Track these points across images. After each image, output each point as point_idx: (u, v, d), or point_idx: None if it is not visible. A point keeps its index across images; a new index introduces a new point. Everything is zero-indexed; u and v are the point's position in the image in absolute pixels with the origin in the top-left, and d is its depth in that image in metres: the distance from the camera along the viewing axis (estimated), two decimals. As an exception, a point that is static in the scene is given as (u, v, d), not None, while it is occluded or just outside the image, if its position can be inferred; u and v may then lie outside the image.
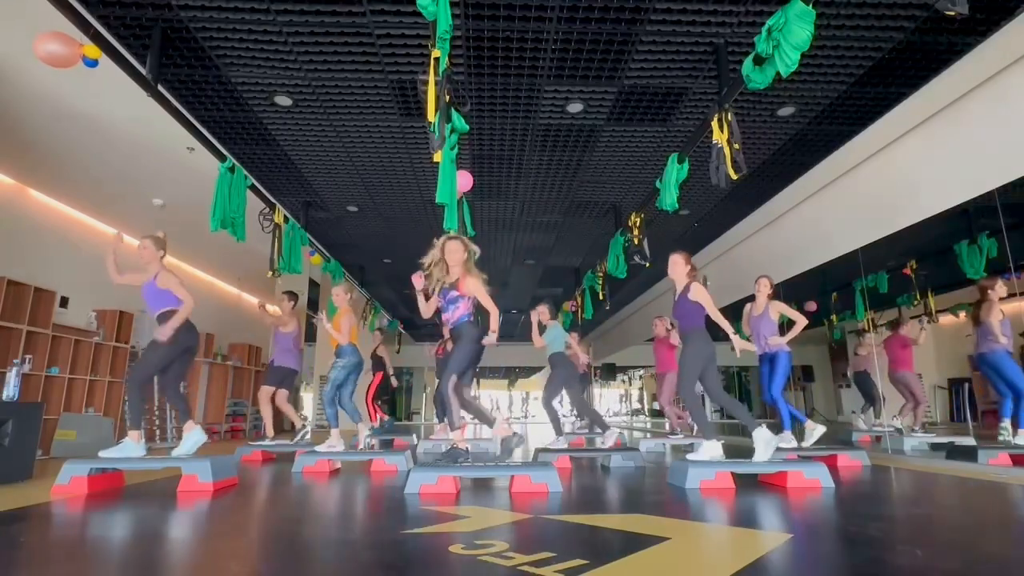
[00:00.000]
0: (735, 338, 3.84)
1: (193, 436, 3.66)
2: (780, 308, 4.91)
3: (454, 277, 3.61)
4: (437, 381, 7.58)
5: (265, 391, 5.72)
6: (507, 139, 5.28)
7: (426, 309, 3.80)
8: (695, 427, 7.38)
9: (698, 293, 3.76)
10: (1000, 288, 4.73)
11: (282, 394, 5.82)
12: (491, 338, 3.55)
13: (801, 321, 4.78)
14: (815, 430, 4.81)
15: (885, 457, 5.16)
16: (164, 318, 3.68)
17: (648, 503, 2.98)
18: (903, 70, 4.20)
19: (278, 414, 5.95)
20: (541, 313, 5.81)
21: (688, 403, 3.83)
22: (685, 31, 3.77)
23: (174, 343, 3.66)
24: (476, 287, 3.57)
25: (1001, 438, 4.57)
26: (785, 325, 4.95)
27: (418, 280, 3.71)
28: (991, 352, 4.66)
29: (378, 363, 7.99)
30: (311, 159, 5.65)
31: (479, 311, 3.72)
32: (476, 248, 3.69)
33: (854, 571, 1.70)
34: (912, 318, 6.42)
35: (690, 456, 3.78)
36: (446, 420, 7.24)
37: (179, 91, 4.42)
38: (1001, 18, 3.65)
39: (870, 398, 6.80)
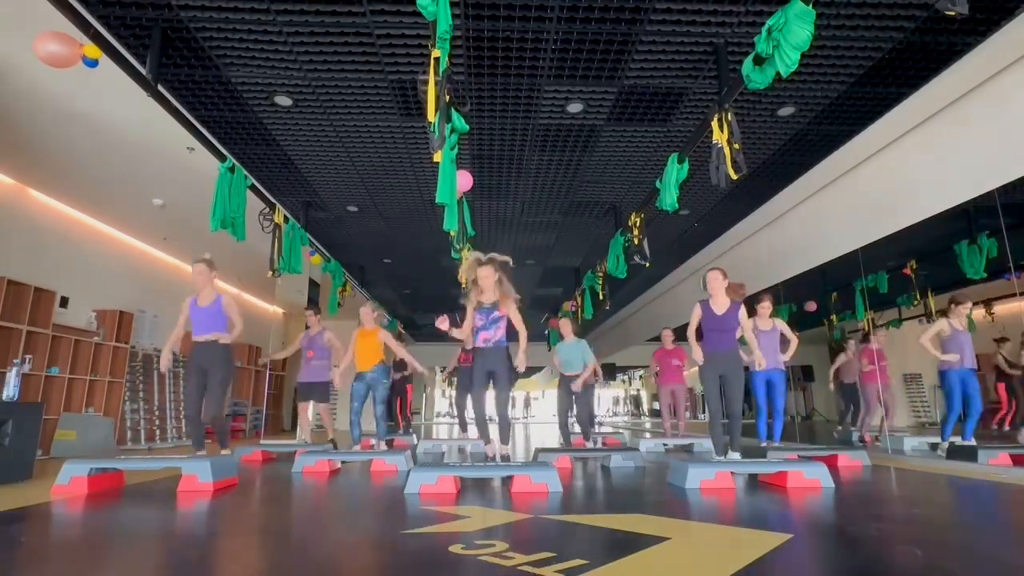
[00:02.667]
0: (758, 354, 4.14)
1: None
2: (783, 327, 5.17)
3: (493, 298, 3.90)
4: (454, 390, 7.62)
5: (325, 408, 5.88)
6: (507, 139, 5.28)
7: (465, 334, 4.03)
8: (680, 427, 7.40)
9: (744, 316, 3.99)
10: (964, 307, 4.85)
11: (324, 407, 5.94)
12: (521, 360, 3.88)
13: (795, 340, 5.16)
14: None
15: (885, 457, 5.16)
16: (224, 345, 4.04)
17: (648, 503, 2.98)
18: (903, 70, 4.20)
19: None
20: (563, 326, 5.95)
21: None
22: (685, 31, 3.77)
23: (232, 366, 4.13)
24: (513, 310, 3.91)
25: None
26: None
27: (443, 322, 3.88)
28: (940, 370, 4.88)
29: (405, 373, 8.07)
30: (311, 159, 5.65)
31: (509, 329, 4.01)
32: (506, 259, 3.95)
33: (854, 571, 1.70)
34: (878, 327, 6.53)
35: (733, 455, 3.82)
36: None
37: (179, 91, 4.41)
38: (1001, 18, 3.65)
39: (846, 405, 6.86)
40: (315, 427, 7.27)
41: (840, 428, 6.96)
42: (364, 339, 5.23)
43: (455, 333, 3.93)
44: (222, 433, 4.31)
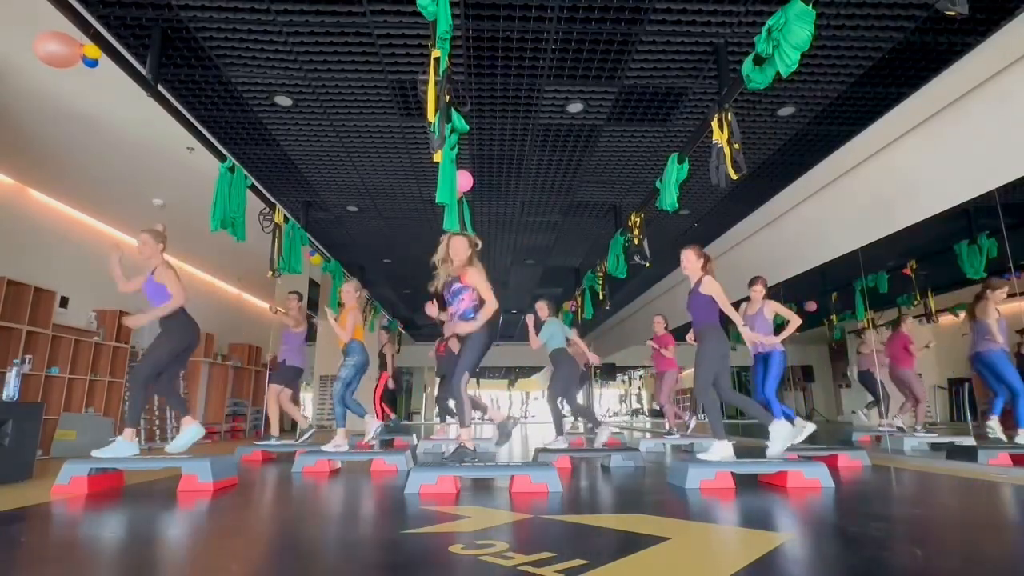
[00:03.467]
0: (744, 330, 3.97)
1: (191, 431, 3.68)
2: (775, 307, 4.93)
3: (457, 270, 3.63)
4: (438, 381, 7.59)
5: (274, 390, 5.75)
6: (507, 139, 5.28)
7: (438, 313, 3.82)
8: (689, 426, 7.37)
9: (710, 286, 3.73)
10: (1001, 291, 4.76)
11: (287, 394, 5.86)
12: (461, 328, 3.55)
13: (796, 320, 4.76)
14: (805, 427, 4.78)
15: (885, 457, 5.16)
16: (165, 318, 3.67)
17: (648, 503, 2.98)
18: (903, 70, 4.20)
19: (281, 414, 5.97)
20: (540, 308, 5.77)
21: (704, 401, 3.74)
22: (685, 31, 3.77)
23: (178, 341, 3.66)
24: (477, 278, 3.58)
25: (990, 435, 4.59)
26: (779, 325, 5.03)
27: (431, 308, 3.73)
28: (987, 352, 4.70)
29: (382, 363, 8.05)
30: (311, 159, 5.65)
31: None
32: (479, 241, 3.71)
33: (854, 571, 1.70)
34: (914, 317, 6.43)
35: (701, 455, 3.76)
36: (448, 420, 7.23)
37: (179, 91, 4.42)
38: (1001, 18, 3.65)
39: (875, 396, 6.79)
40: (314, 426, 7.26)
41: (872, 418, 6.89)
42: (345, 317, 5.16)
43: (443, 316, 3.79)
44: (130, 403, 3.63)
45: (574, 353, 5.86)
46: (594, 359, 5.95)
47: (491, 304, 3.53)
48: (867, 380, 6.85)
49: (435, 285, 3.76)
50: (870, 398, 6.87)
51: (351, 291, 5.25)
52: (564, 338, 5.70)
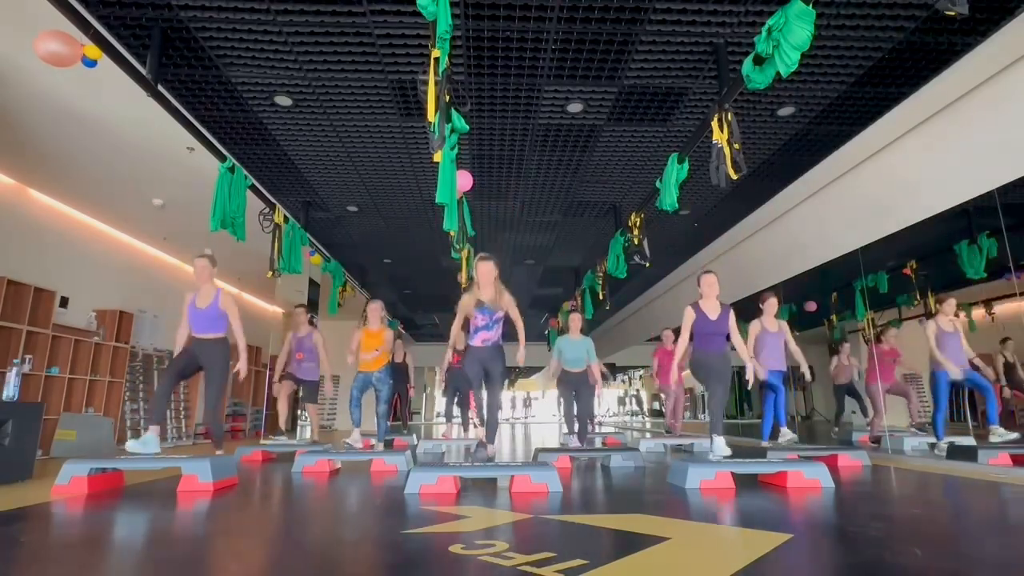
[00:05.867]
0: (754, 362, 4.30)
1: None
2: (787, 332, 5.17)
3: (493, 296, 3.89)
4: (445, 390, 7.60)
5: (313, 410, 5.98)
6: (507, 139, 5.28)
7: (455, 334, 4.23)
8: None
9: (733, 320, 4.00)
10: (949, 305, 4.93)
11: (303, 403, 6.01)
12: (522, 354, 3.98)
13: (799, 352, 5.17)
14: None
15: (885, 457, 5.16)
16: (224, 343, 4.02)
17: (648, 503, 2.98)
18: (903, 70, 4.20)
19: (276, 417, 6.06)
20: (575, 320, 5.72)
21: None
22: (685, 31, 3.77)
23: (228, 366, 4.08)
24: (513, 307, 3.94)
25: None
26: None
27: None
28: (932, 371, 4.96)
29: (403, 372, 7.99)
30: (311, 159, 5.65)
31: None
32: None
33: (854, 571, 1.70)
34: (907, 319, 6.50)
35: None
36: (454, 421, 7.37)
37: (179, 91, 4.41)
38: (1001, 18, 3.65)
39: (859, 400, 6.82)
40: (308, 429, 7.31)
41: (837, 430, 6.97)
42: (371, 339, 5.16)
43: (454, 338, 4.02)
44: (218, 430, 4.38)
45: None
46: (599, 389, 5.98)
47: (522, 327, 4.05)
48: (852, 392, 6.82)
49: (467, 306, 3.96)
50: (860, 404, 6.86)
51: (379, 311, 5.26)
52: (586, 363, 5.65)
